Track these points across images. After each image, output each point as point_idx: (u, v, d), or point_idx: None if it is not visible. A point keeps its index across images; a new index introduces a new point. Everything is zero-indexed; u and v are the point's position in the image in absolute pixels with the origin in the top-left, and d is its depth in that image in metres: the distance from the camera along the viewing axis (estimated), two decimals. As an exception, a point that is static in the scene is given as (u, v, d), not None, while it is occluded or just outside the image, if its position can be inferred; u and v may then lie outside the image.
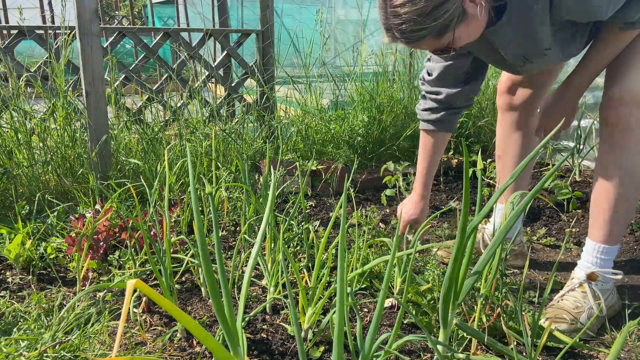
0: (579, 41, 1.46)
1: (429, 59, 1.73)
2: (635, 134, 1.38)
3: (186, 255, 1.55)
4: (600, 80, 1.59)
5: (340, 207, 1.59)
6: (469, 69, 1.69)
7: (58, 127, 2.23)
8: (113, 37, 2.63)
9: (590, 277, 1.47)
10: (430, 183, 1.86)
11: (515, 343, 1.26)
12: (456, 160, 2.97)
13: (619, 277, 1.49)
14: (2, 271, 1.65)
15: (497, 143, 1.89)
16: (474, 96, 1.77)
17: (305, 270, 1.67)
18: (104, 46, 2.53)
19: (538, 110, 1.65)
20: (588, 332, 1.41)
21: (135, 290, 1.30)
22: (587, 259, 1.51)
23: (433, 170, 1.86)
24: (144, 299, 1.42)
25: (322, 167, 2.57)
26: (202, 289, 1.55)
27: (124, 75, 2.64)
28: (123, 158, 2.33)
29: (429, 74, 1.73)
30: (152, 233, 1.64)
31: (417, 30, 1.20)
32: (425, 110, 1.77)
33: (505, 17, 1.32)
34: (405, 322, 1.43)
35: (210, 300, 1.50)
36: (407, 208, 1.83)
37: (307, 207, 2.41)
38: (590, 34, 1.50)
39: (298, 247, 1.85)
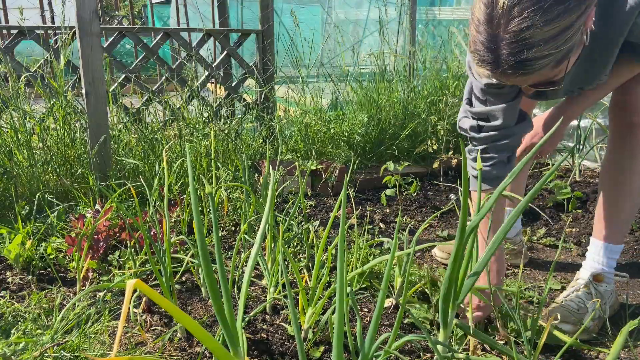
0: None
1: (470, 104, 1.40)
2: None
3: (186, 255, 1.55)
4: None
5: (340, 207, 1.59)
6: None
7: (58, 127, 2.23)
8: (113, 37, 2.63)
9: (596, 279, 1.47)
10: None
11: (515, 343, 1.26)
12: (456, 160, 2.97)
13: (625, 279, 1.48)
14: (2, 271, 1.65)
15: None
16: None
17: (305, 270, 1.67)
18: (104, 46, 2.53)
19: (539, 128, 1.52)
20: (589, 332, 1.41)
21: (135, 290, 1.30)
22: (596, 259, 1.50)
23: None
24: (144, 299, 1.42)
25: (321, 167, 2.57)
26: (202, 289, 1.56)
27: (123, 76, 2.64)
28: (123, 158, 2.33)
29: (485, 120, 1.37)
30: (152, 233, 1.64)
31: (541, 58, 0.99)
32: (492, 166, 1.38)
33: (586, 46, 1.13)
34: (405, 322, 1.43)
35: (210, 300, 1.50)
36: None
37: (307, 207, 2.41)
38: None
39: (298, 247, 1.85)
